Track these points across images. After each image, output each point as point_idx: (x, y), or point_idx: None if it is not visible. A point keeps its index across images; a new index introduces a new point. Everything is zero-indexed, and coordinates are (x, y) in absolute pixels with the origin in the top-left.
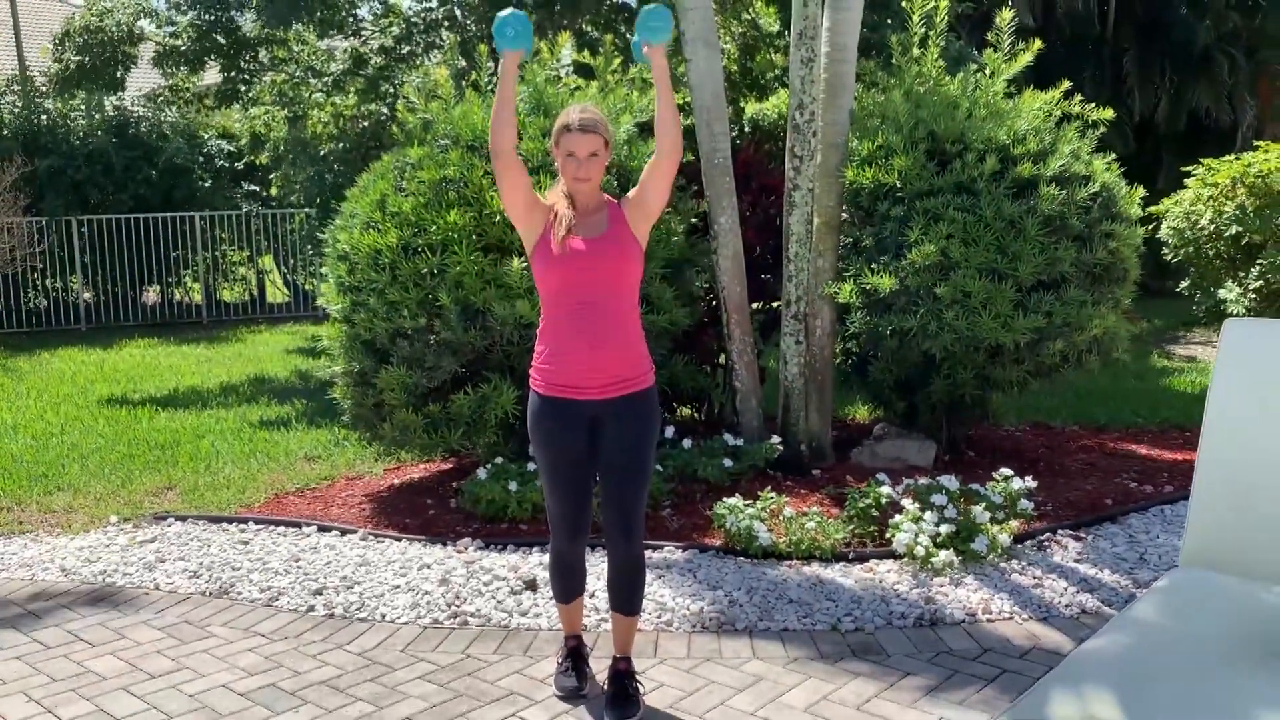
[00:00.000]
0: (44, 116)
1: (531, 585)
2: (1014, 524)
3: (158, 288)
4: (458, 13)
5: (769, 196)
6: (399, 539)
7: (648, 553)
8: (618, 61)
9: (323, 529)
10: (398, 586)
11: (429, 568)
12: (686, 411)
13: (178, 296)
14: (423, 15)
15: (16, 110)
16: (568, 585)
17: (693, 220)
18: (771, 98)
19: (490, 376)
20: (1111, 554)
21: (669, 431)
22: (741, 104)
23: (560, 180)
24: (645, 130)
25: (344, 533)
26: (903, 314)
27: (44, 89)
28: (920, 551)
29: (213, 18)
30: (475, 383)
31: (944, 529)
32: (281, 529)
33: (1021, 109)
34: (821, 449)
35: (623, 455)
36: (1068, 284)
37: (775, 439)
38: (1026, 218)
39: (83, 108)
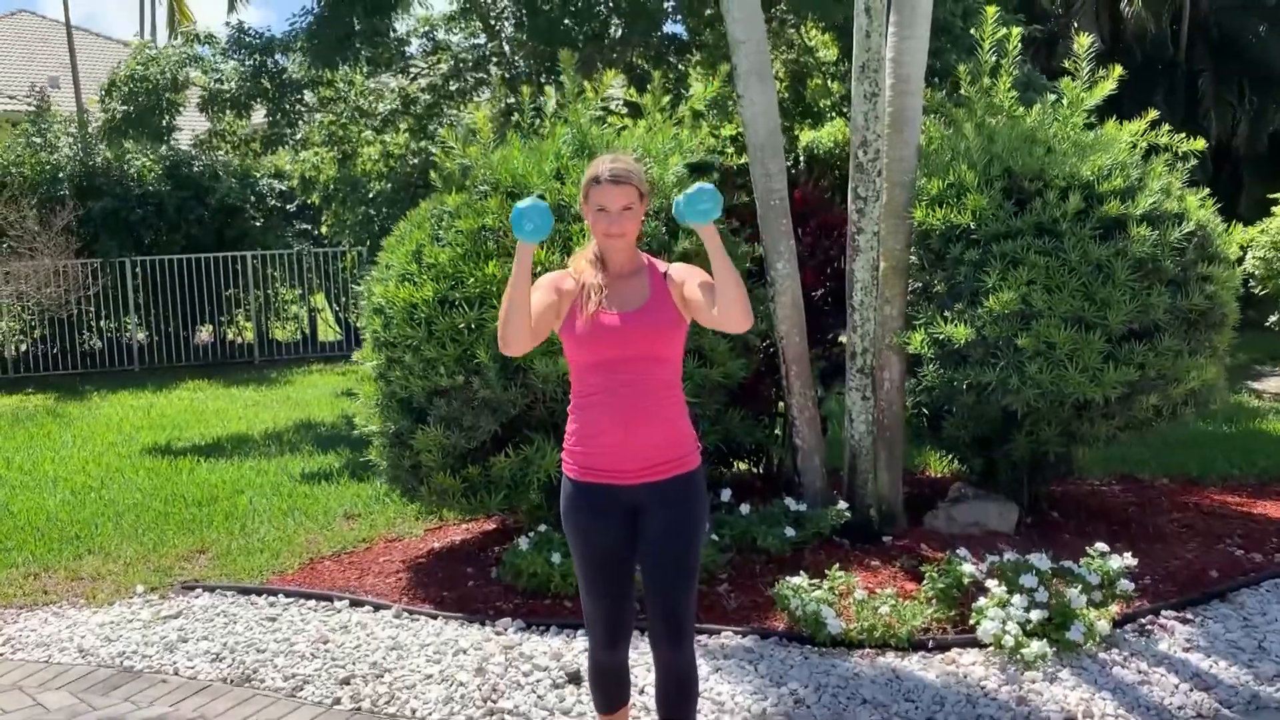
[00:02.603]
0: (99, 159)
1: (575, 678)
2: (1113, 608)
3: (210, 327)
4: (506, 48)
5: (829, 236)
6: (435, 617)
7: (702, 638)
8: (666, 99)
9: (355, 603)
10: (430, 676)
11: (465, 653)
12: (744, 466)
13: (230, 336)
14: (471, 52)
15: (72, 152)
16: (610, 696)
17: (748, 266)
18: (826, 125)
19: (533, 436)
20: (1225, 640)
21: (724, 494)
22: (795, 132)
23: (590, 242)
24: (696, 171)
25: (377, 608)
26: (980, 366)
27: (94, 135)
28: (1009, 641)
29: (257, 62)
30: (517, 443)
31: (1035, 615)
32: (312, 603)
33: (1105, 141)
34: (892, 513)
35: (666, 547)
36: (1162, 332)
37: (842, 505)
38: (1115, 261)
39: (134, 154)
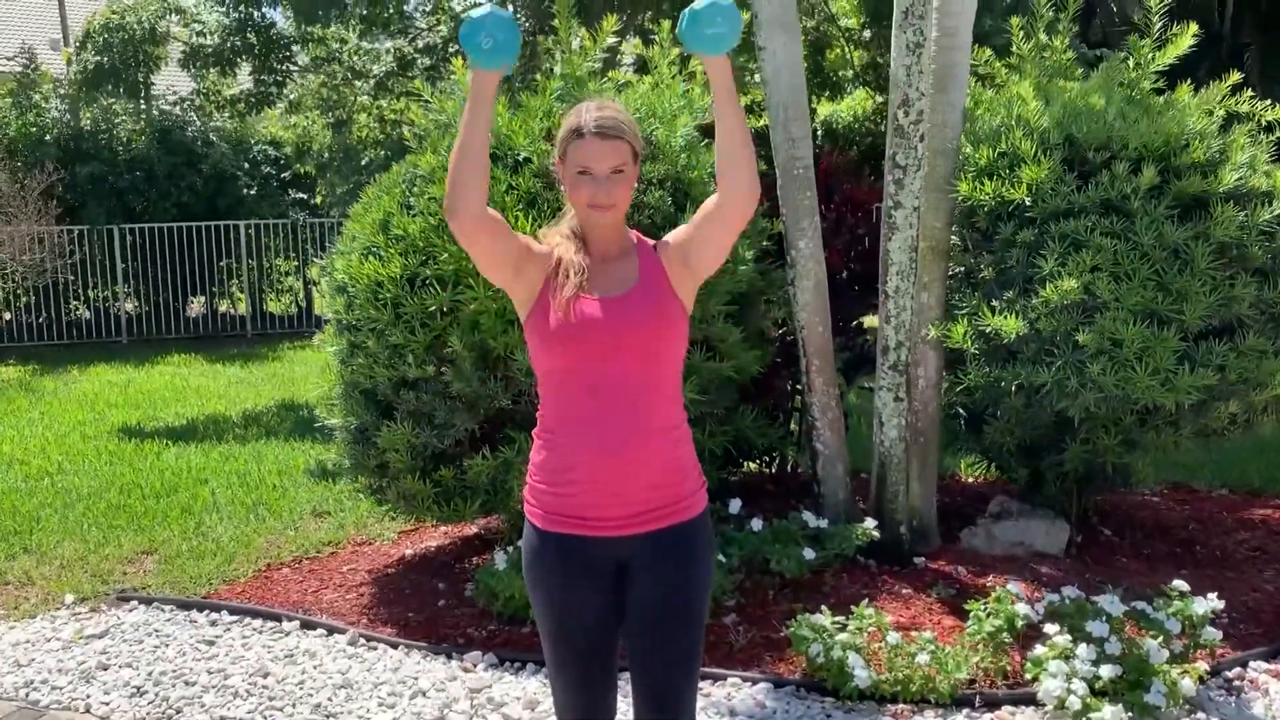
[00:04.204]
0: (86, 122)
1: None
2: (1200, 665)
3: (202, 299)
4: (510, 7)
5: (856, 212)
6: (395, 645)
7: (704, 685)
8: (675, 52)
9: (307, 625)
10: None
11: (424, 695)
12: (753, 466)
13: (223, 308)
14: (473, 10)
15: (59, 114)
16: None
17: (764, 244)
18: (846, 99)
19: (514, 436)
20: None
21: (733, 505)
22: (814, 105)
23: (566, 212)
24: (708, 133)
25: (331, 631)
26: (1032, 365)
27: (63, 92)
28: (1074, 703)
29: (242, 15)
30: (496, 444)
31: (1105, 671)
32: (258, 623)
33: (1180, 108)
34: (924, 529)
35: (662, 621)
36: (1245, 329)
37: (869, 523)
38: (1195, 245)
39: (120, 112)
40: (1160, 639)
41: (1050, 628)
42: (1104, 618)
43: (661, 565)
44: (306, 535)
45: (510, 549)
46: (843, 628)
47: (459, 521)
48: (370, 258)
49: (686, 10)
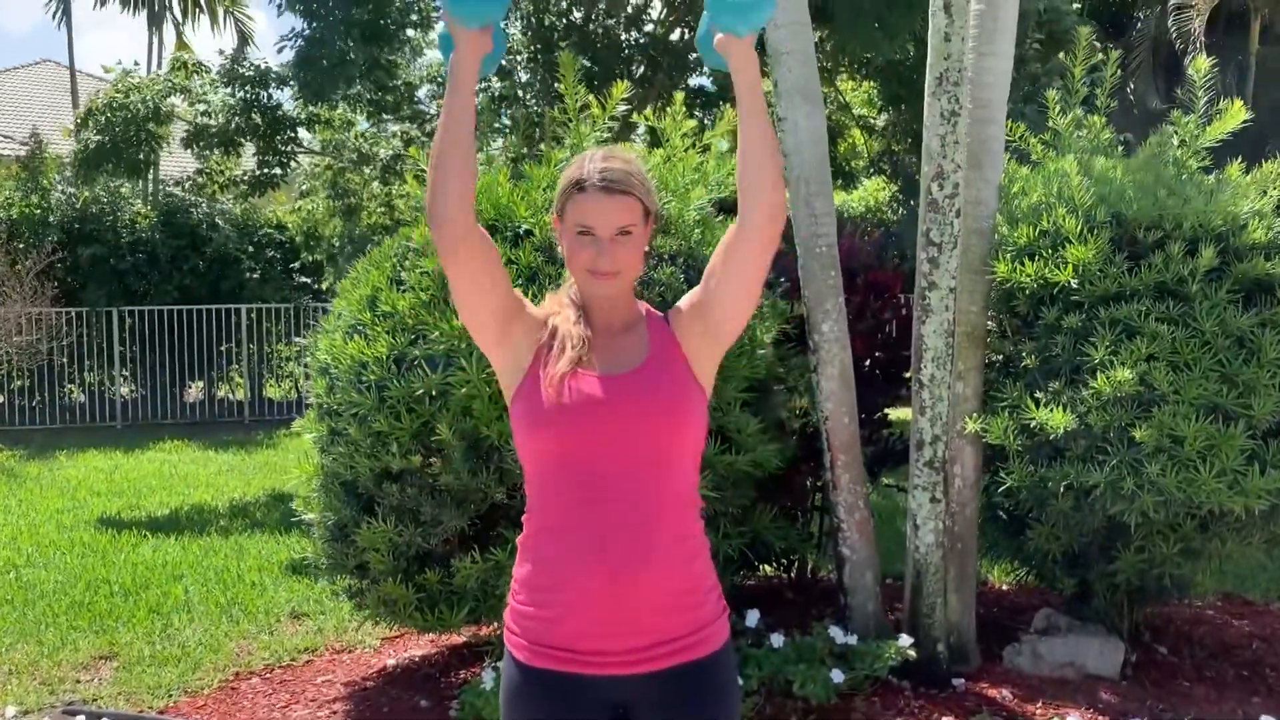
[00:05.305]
0: (91, 204)
1: None
2: None
3: (201, 384)
4: (520, 93)
5: (880, 295)
6: None
7: None
8: (688, 124)
9: None
10: None
11: None
12: (769, 569)
13: (221, 393)
14: (482, 94)
15: (64, 195)
16: None
17: (784, 326)
18: (857, 190)
19: (508, 535)
20: None
21: (751, 618)
22: None
23: (567, 280)
24: (726, 209)
25: None
26: (1082, 464)
27: (68, 174)
28: None
29: (248, 95)
30: (487, 544)
31: None
32: None
33: (1234, 186)
34: (963, 646)
35: None
36: None
37: (904, 640)
38: (1262, 333)
39: (125, 194)
40: None
41: None
42: None
43: (674, 715)
44: (281, 640)
45: (496, 667)
46: None
47: (444, 631)
48: (355, 336)
49: None
